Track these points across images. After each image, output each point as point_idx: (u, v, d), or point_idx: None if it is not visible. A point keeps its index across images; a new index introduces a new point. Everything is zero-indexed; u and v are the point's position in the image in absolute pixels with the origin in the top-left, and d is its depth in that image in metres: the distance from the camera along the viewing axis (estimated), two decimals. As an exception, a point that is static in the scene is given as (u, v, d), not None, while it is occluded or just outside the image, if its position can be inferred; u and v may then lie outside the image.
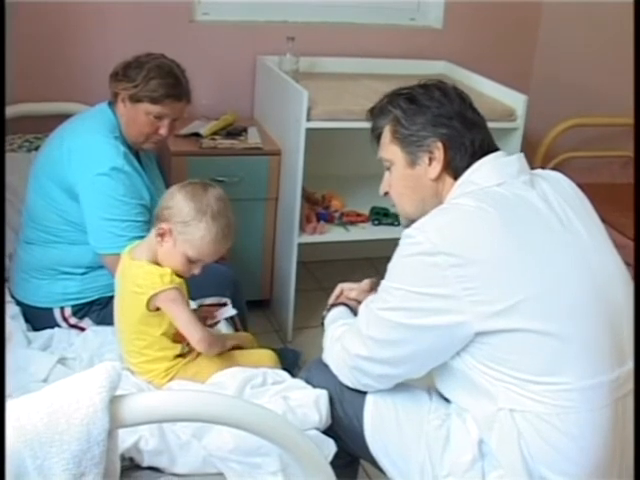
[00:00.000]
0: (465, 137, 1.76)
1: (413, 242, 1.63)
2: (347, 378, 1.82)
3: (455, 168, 1.76)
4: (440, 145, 1.76)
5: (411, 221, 1.74)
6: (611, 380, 1.58)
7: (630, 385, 1.62)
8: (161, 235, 1.98)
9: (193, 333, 2.00)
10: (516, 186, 1.70)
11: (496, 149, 1.80)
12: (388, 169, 1.88)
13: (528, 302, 1.55)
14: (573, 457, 1.58)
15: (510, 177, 1.71)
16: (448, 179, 1.77)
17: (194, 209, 1.96)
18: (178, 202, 1.97)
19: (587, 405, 1.56)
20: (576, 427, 1.57)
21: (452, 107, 1.79)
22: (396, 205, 1.92)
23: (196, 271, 2.04)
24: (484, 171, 1.73)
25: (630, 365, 1.63)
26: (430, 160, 1.77)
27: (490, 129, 3.16)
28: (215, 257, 2.05)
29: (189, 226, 1.96)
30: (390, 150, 1.84)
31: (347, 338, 1.80)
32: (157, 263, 2.01)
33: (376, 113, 1.89)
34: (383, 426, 1.80)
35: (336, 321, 1.97)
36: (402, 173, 1.83)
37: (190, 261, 2.01)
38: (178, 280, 2.00)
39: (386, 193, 1.92)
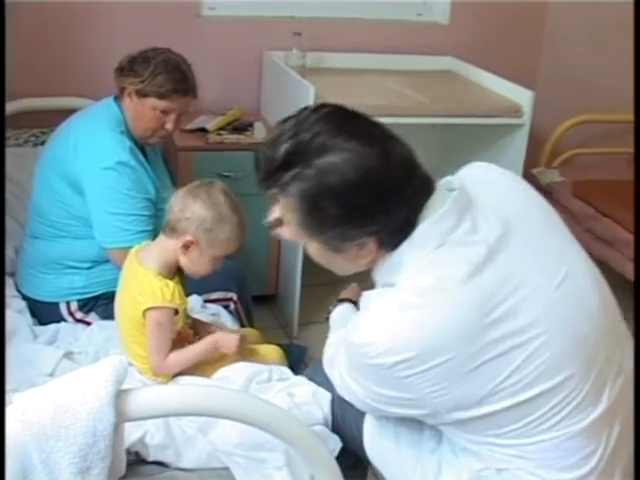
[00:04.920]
0: (398, 218, 1.46)
1: (364, 353, 1.45)
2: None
3: (391, 246, 1.50)
4: (373, 243, 1.50)
5: None
6: (598, 416, 1.49)
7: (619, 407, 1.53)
8: (186, 246, 1.99)
9: (153, 359, 2.02)
10: (458, 242, 1.46)
11: (430, 189, 1.51)
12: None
13: (500, 386, 1.44)
14: None
15: (449, 232, 1.46)
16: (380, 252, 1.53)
17: (215, 214, 1.98)
18: (196, 212, 1.98)
19: (576, 451, 1.50)
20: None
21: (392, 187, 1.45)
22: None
23: (219, 266, 2.07)
24: (417, 245, 1.47)
25: (604, 405, 1.51)
26: (360, 247, 1.51)
27: (496, 125, 3.19)
28: (239, 247, 2.08)
29: (213, 232, 1.98)
30: (297, 234, 1.54)
31: (335, 372, 1.70)
32: (162, 274, 2.01)
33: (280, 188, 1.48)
34: (381, 437, 1.76)
35: (338, 324, 1.87)
36: (315, 249, 1.57)
37: (215, 261, 2.05)
38: (179, 301, 2.01)
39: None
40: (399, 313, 1.43)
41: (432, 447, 1.69)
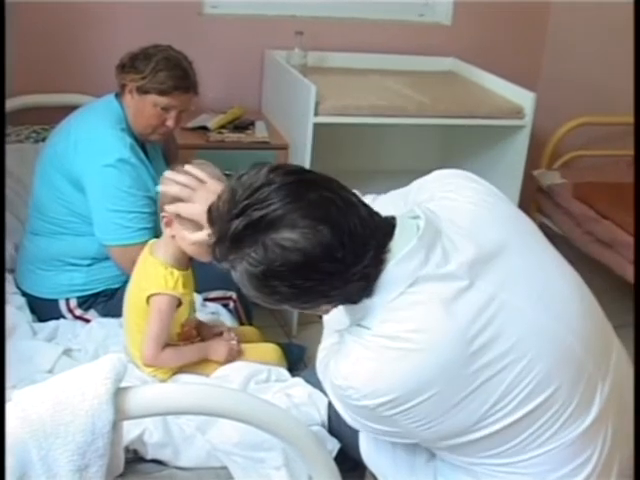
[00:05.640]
0: (354, 290, 1.43)
1: (348, 396, 1.45)
2: None
3: (353, 303, 1.48)
4: (331, 306, 1.51)
5: None
6: (592, 421, 1.48)
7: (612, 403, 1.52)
8: (167, 225, 1.95)
9: (147, 348, 2.00)
10: (430, 277, 1.41)
11: (391, 232, 1.44)
12: None
13: (491, 411, 1.43)
14: None
15: (419, 269, 1.40)
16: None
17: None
18: (161, 189, 1.96)
19: (572, 459, 1.49)
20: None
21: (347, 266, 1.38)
22: None
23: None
24: (386, 289, 1.43)
25: (597, 409, 1.50)
26: (317, 309, 1.52)
27: (497, 127, 3.19)
28: None
29: (177, 200, 1.91)
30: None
31: (326, 382, 1.65)
32: (169, 263, 1.99)
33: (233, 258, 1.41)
34: (377, 444, 1.75)
35: (331, 323, 1.76)
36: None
37: None
38: (182, 290, 1.99)
39: None
40: (378, 357, 1.41)
41: (428, 457, 1.68)
